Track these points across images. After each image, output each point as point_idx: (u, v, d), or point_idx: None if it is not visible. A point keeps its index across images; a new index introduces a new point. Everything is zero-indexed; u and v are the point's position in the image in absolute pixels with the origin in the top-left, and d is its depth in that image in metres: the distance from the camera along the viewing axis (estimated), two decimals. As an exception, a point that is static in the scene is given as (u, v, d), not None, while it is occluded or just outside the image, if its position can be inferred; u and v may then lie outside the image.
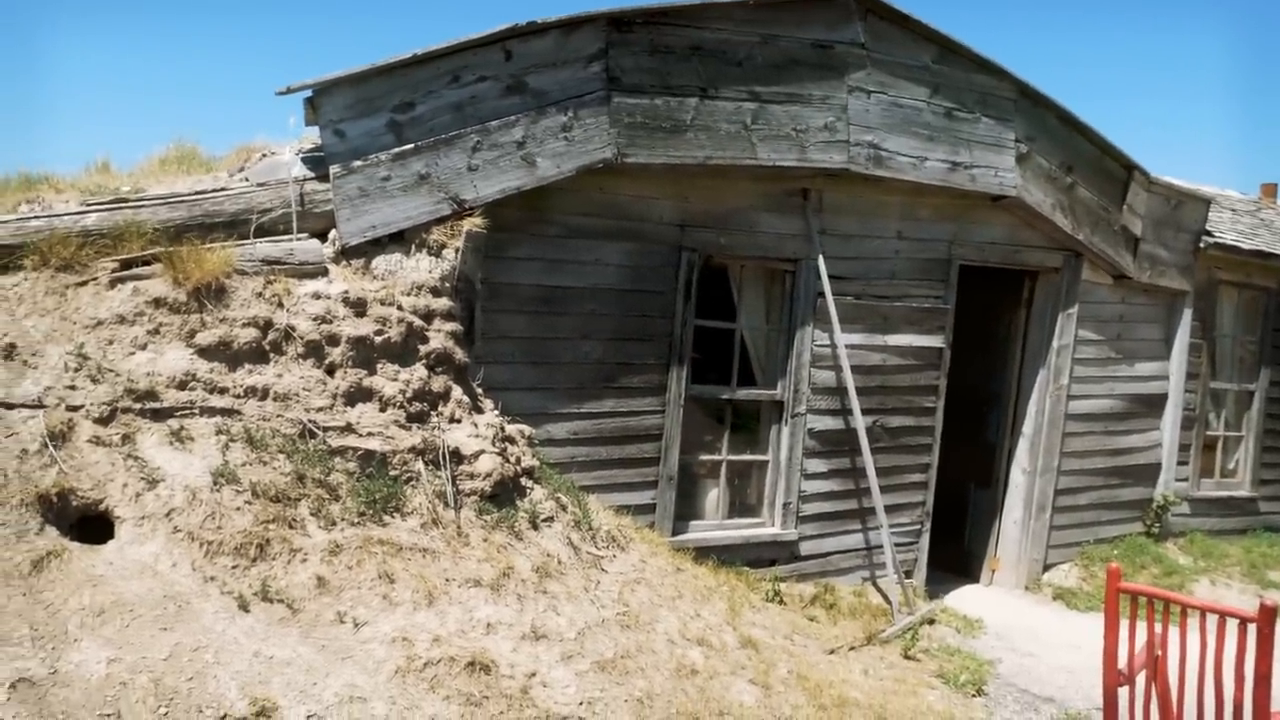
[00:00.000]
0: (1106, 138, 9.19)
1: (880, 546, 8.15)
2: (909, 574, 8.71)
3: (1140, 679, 4.95)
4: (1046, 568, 9.74)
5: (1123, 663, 5.01)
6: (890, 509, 8.21)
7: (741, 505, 8.35)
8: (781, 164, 7.49)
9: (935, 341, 8.74)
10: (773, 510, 8.23)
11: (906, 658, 7.14)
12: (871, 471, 7.92)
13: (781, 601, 7.47)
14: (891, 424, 8.60)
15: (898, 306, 8.49)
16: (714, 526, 8.01)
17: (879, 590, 8.42)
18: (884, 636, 7.36)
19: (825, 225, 8.02)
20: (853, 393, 7.93)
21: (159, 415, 5.03)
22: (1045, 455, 9.51)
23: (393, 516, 5.34)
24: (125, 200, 5.79)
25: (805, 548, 8.27)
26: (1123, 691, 5.00)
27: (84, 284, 5.39)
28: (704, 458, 8.11)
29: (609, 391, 7.28)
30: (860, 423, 7.94)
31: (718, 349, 8.13)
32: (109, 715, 3.66)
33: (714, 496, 8.16)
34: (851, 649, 7.00)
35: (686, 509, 7.90)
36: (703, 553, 7.47)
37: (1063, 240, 9.21)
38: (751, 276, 8.08)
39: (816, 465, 8.26)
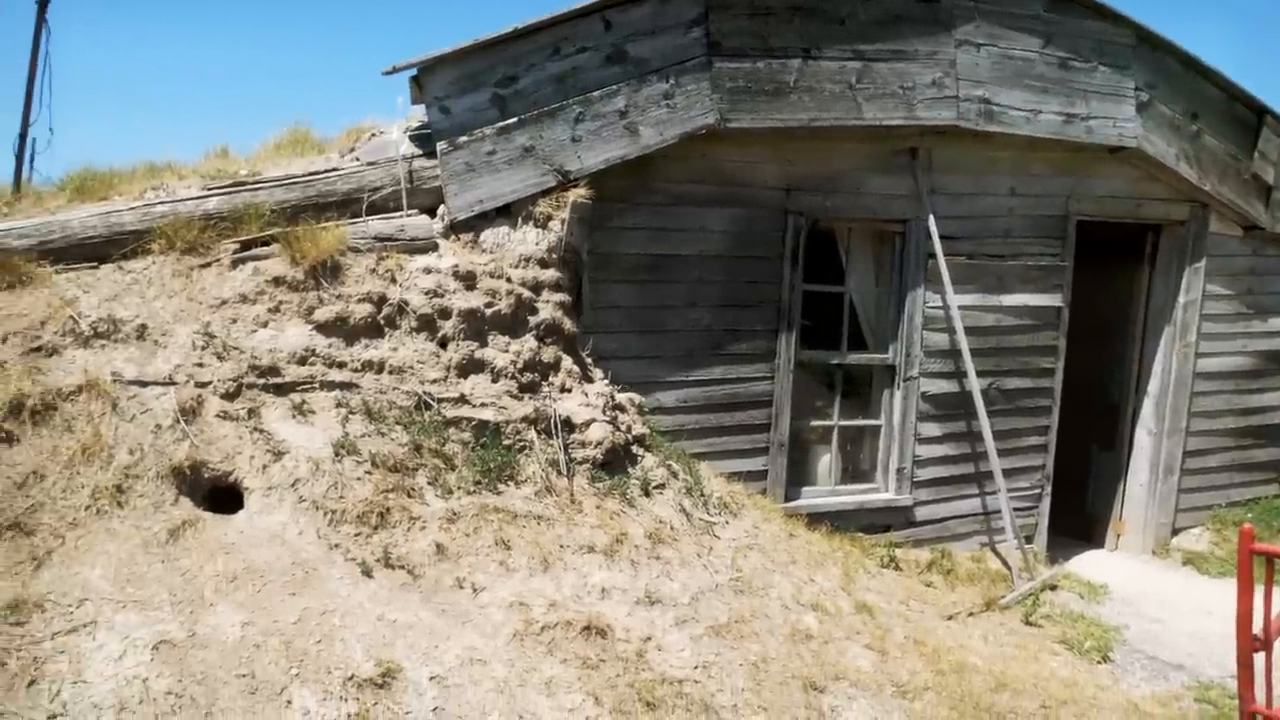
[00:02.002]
0: (1234, 81, 8.74)
1: (998, 511, 7.98)
2: (1029, 539, 8.50)
3: (1278, 644, 4.74)
4: (1175, 532, 9.39)
5: (1258, 627, 4.82)
6: (1008, 473, 8.01)
7: (854, 471, 8.26)
8: (888, 123, 7.33)
9: (1052, 300, 8.48)
10: (886, 475, 8.12)
11: (1027, 624, 6.99)
12: (988, 435, 7.74)
13: (897, 567, 7.37)
14: (1008, 386, 8.38)
15: (1012, 265, 8.25)
16: (826, 492, 7.94)
17: (998, 555, 8.25)
18: (1004, 602, 7.21)
19: (935, 184, 7.83)
20: (967, 355, 7.75)
21: (281, 390, 5.20)
22: (1172, 415, 9.16)
23: (507, 485, 5.43)
24: (244, 184, 5.98)
25: (920, 513, 8.15)
26: (1258, 657, 4.80)
27: (207, 265, 5.59)
28: (815, 423, 8.03)
29: (717, 358, 7.26)
30: (975, 385, 7.76)
31: (826, 313, 8.02)
32: (244, 675, 3.82)
33: (826, 462, 8.09)
34: (970, 615, 6.88)
35: (798, 475, 7.84)
36: (815, 519, 7.41)
37: (1188, 191, 8.81)
38: (860, 239, 7.95)
39: (931, 429, 8.11)
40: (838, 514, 7.69)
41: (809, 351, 7.75)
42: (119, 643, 3.76)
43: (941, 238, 7.72)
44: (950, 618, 6.70)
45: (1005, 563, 8.03)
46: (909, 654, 5.83)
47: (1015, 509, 8.03)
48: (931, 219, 7.71)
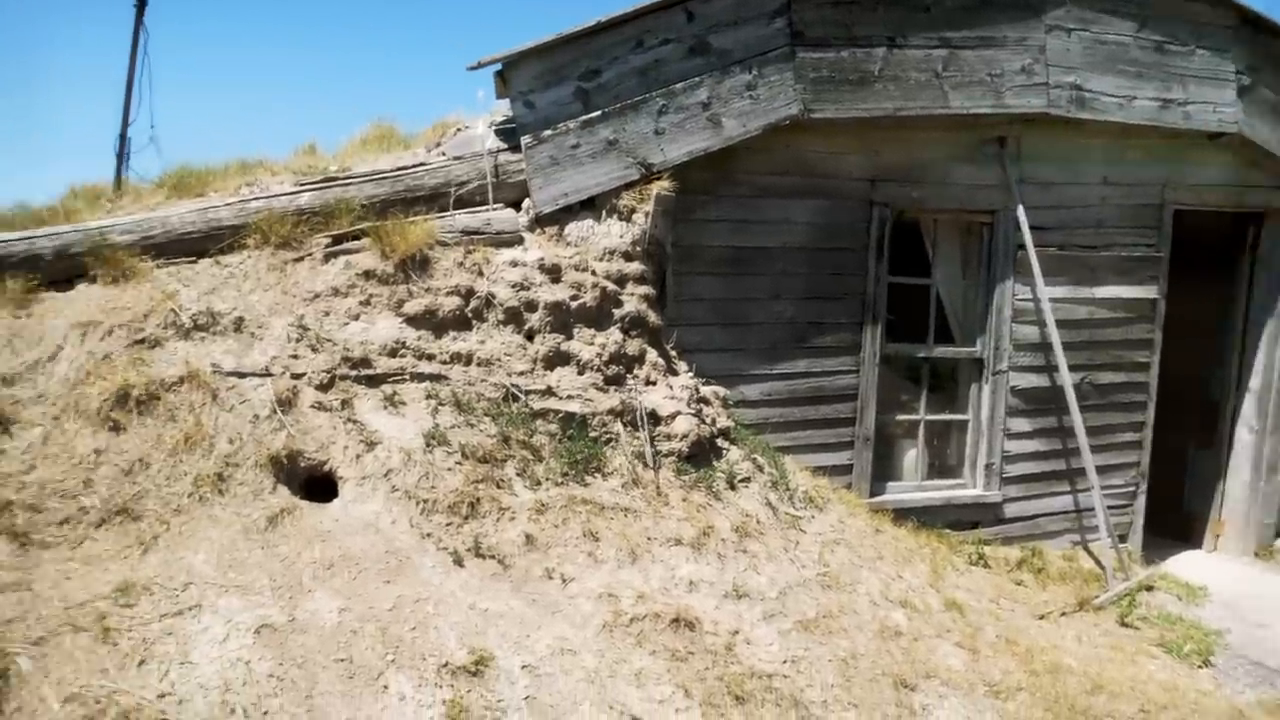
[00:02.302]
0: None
1: (1091, 509, 7.79)
2: (1123, 538, 8.30)
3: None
4: (1279, 533, 9.09)
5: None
6: (1101, 470, 7.81)
7: (941, 466, 8.14)
8: (976, 111, 7.21)
9: (1147, 292, 8.26)
10: (974, 471, 7.98)
11: (1123, 625, 6.82)
12: (1080, 430, 7.56)
13: (985, 565, 7.25)
14: (1101, 380, 8.18)
15: (1105, 256, 8.05)
16: (913, 488, 7.83)
17: (1090, 555, 8.06)
18: (1098, 603, 7.04)
19: (1024, 173, 7.67)
20: (1058, 348, 7.59)
21: (373, 381, 5.28)
22: (1276, 413, 8.85)
23: (594, 476, 5.45)
24: (334, 179, 6.09)
25: (1010, 510, 7.99)
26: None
27: (300, 259, 5.70)
28: (900, 417, 7.93)
29: (802, 351, 7.20)
30: (1067, 379, 7.59)
31: (912, 306, 7.91)
32: (342, 660, 3.88)
33: (912, 457, 7.98)
34: (1063, 614, 6.73)
35: (883, 470, 7.75)
36: (901, 514, 7.31)
37: (1292, 179, 8.51)
38: (946, 230, 7.82)
39: (1020, 424, 7.95)
40: (924, 510, 7.58)
41: (894, 345, 7.65)
42: (222, 626, 3.85)
43: (1031, 228, 7.56)
44: (1042, 617, 6.57)
45: (1098, 562, 7.85)
46: (1001, 653, 5.73)
47: (1109, 507, 7.83)
48: (1021, 209, 7.56)
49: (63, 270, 5.46)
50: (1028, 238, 7.55)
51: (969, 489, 7.96)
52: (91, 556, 4.14)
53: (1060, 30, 7.35)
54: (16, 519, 4.16)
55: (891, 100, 6.93)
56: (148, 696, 3.51)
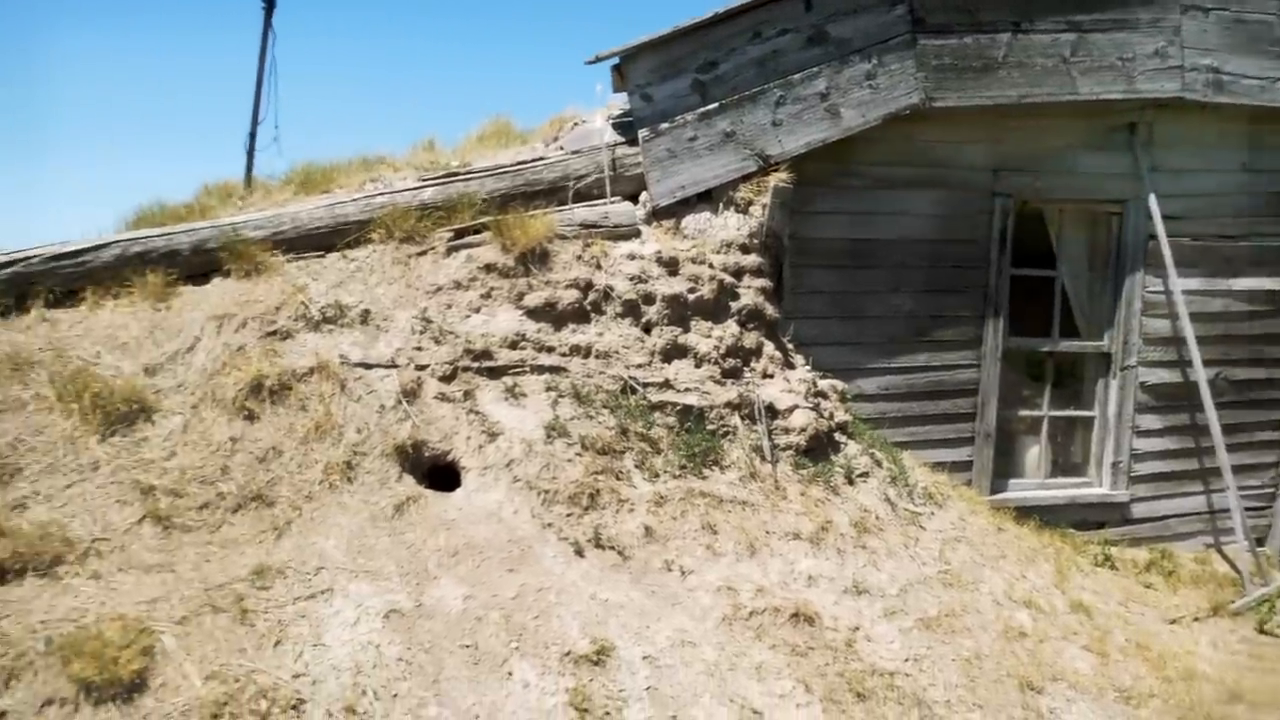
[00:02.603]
0: None
1: (1226, 510, 7.47)
2: (1260, 541, 7.93)
3: None
4: None
5: None
6: (1237, 470, 7.46)
7: (1065, 464, 7.91)
8: (1105, 97, 6.97)
9: (1288, 285, 7.88)
10: (1100, 469, 7.73)
11: (1262, 632, 6.52)
12: (1215, 428, 7.24)
13: (1112, 566, 7.02)
14: (1237, 376, 7.84)
15: (1243, 247, 7.71)
16: (1035, 485, 7.63)
17: (1224, 558, 7.73)
18: (1234, 608, 6.75)
19: (1155, 161, 7.39)
20: (1191, 342, 7.28)
21: (494, 373, 5.36)
22: None
23: (711, 470, 5.44)
24: (456, 174, 6.19)
25: (1138, 510, 7.72)
26: None
27: (423, 253, 5.81)
28: (1023, 413, 7.73)
29: (921, 345, 7.08)
30: (1201, 375, 7.28)
31: (1036, 299, 7.69)
32: (468, 646, 3.95)
33: (1034, 454, 7.77)
34: (1195, 620, 6.47)
35: (1005, 467, 7.56)
36: (1023, 512, 7.12)
37: None
38: (1072, 221, 7.58)
39: (1150, 421, 7.67)
40: (1047, 508, 7.38)
41: (1017, 338, 7.45)
42: (353, 610, 3.96)
43: (1163, 218, 7.27)
44: (1174, 622, 6.33)
45: (1233, 566, 7.52)
46: (1131, 658, 5.55)
47: (1245, 508, 7.48)
48: (1152, 198, 7.28)
49: (199, 265, 5.66)
50: (1160, 228, 7.27)
51: (1095, 488, 7.72)
52: (229, 540, 4.29)
53: (1197, 10, 7.06)
54: (160, 503, 4.33)
55: (1016, 87, 6.75)
56: (283, 676, 3.63)
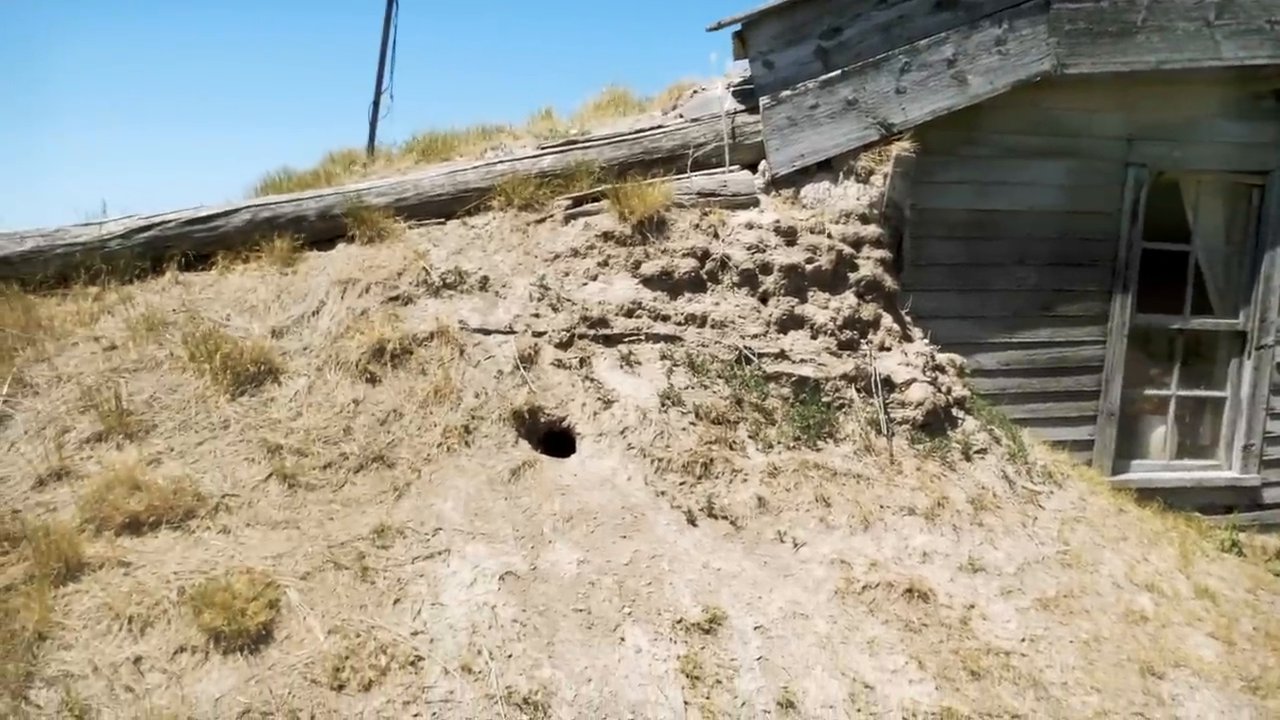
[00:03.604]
0: None
1: (1365, 497, 7.14)
2: (1402, 531, 7.56)
3: None
4: None
5: None
6: (1379, 455, 7.15)
7: (1192, 445, 7.62)
8: (1251, 62, 6.62)
9: None
10: (1230, 452, 7.44)
11: (1401, 625, 6.22)
12: (1358, 411, 6.92)
13: (1240, 552, 6.76)
14: (1382, 358, 7.45)
15: (1394, 221, 7.29)
16: (1159, 467, 7.38)
17: (1363, 547, 7.38)
18: (1372, 598, 6.44)
19: (1304, 130, 7.02)
20: (1335, 322, 6.95)
21: (610, 341, 5.38)
22: None
23: (825, 442, 5.38)
24: (574, 142, 6.21)
25: (1270, 495, 7.42)
26: None
27: (541, 221, 5.86)
28: (1149, 392, 7.47)
29: (1044, 320, 6.88)
30: (1344, 356, 6.95)
31: (1166, 274, 7.40)
32: (581, 610, 4.00)
33: (1160, 435, 7.51)
34: (1330, 610, 6.20)
35: (1128, 447, 7.33)
36: (1145, 494, 6.90)
37: None
38: (1209, 192, 7.26)
39: (1286, 403, 7.35)
40: (1172, 490, 7.13)
41: (1146, 315, 7.18)
42: (470, 571, 4.04)
43: (1309, 191, 6.93)
44: (1306, 611, 6.07)
45: (1372, 555, 7.18)
46: (1259, 647, 5.33)
47: (1387, 496, 7.15)
48: (1297, 169, 6.93)
49: (324, 230, 5.81)
50: (1304, 201, 6.92)
51: (1223, 471, 7.44)
52: (351, 499, 4.41)
53: (1353, -30, 6.66)
54: (286, 462, 4.47)
55: (1155, 52, 6.46)
56: (402, 634, 3.73)
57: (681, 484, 4.84)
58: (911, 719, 3.96)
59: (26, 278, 5.32)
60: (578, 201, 5.88)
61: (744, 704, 3.80)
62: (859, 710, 3.93)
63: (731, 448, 5.10)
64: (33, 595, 3.58)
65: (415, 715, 3.45)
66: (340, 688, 3.49)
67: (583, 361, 5.24)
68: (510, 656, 3.74)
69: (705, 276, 5.71)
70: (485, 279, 5.48)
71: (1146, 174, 6.87)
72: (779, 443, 5.24)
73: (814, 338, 5.72)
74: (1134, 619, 5.17)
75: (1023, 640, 4.69)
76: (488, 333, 5.21)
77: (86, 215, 5.63)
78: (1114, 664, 4.77)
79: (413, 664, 3.62)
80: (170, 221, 5.60)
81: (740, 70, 6.53)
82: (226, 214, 5.69)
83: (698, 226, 5.82)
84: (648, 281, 5.60)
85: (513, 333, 5.24)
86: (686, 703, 3.73)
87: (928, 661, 4.31)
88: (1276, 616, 5.82)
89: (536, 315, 5.37)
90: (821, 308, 5.80)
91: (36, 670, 3.35)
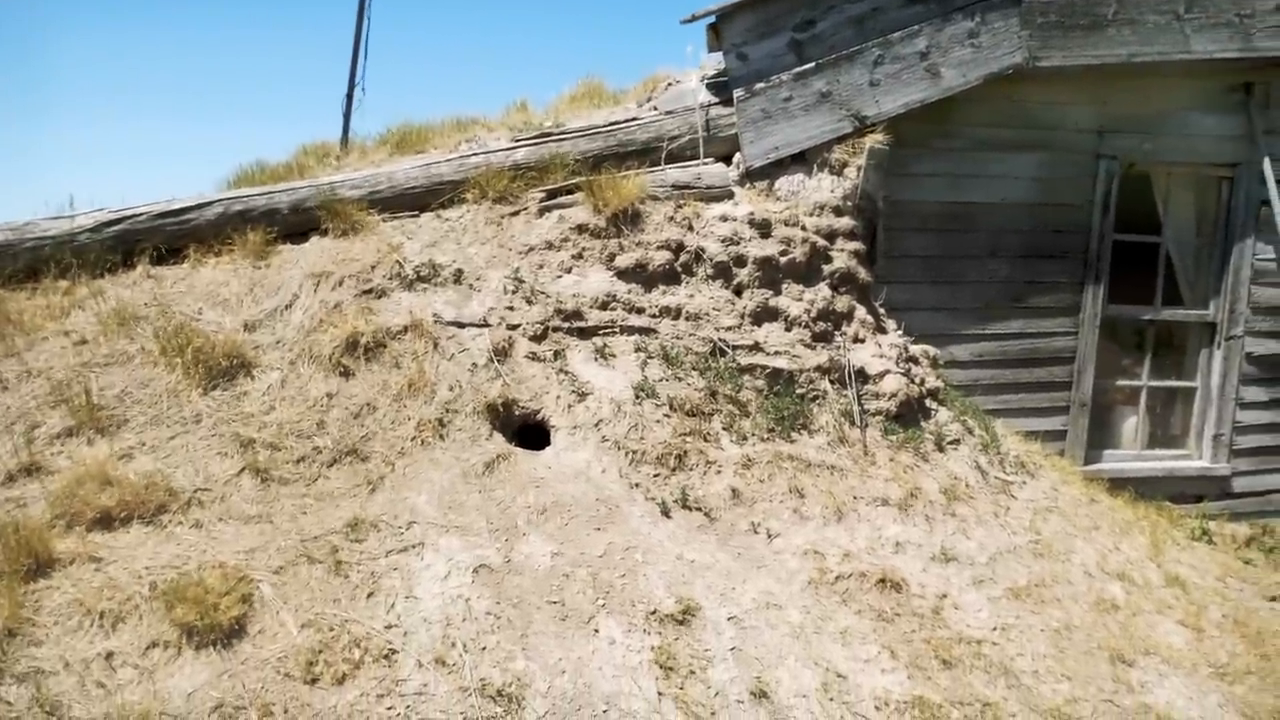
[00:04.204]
0: None
1: (1333, 486, 7.23)
2: (1368, 518, 7.66)
3: None
4: None
5: None
6: (1347, 445, 7.24)
7: (1163, 435, 7.70)
8: (1221, 55, 6.68)
9: None
10: (1200, 442, 7.52)
11: (1367, 611, 6.30)
12: (1325, 401, 7.00)
13: (1210, 541, 6.83)
14: (1350, 348, 7.54)
15: (1361, 213, 7.37)
16: (1131, 457, 7.45)
17: (1331, 535, 7.48)
18: (1339, 585, 6.53)
19: (1272, 124, 7.09)
20: (1302, 313, 7.02)
21: (584, 333, 5.39)
22: None
23: (800, 434, 5.41)
24: (549, 134, 6.20)
25: (1239, 484, 7.50)
26: None
27: (516, 213, 5.85)
28: (1120, 383, 7.54)
29: (1016, 312, 6.93)
30: (1311, 347, 7.03)
31: (1136, 265, 7.46)
32: (555, 602, 4.01)
33: (1131, 425, 7.58)
34: (1297, 597, 6.28)
35: (1099, 437, 7.39)
36: (1117, 484, 6.96)
37: None
38: (1180, 185, 7.32)
39: (1255, 393, 7.42)
40: (1143, 480, 7.20)
41: (1117, 306, 7.24)
42: (444, 564, 4.04)
43: (1278, 183, 6.99)
44: (1275, 599, 6.13)
45: (1340, 543, 7.27)
46: (1227, 634, 5.40)
47: (1354, 484, 7.25)
48: (1267, 162, 7.00)
49: (297, 224, 5.78)
50: (1274, 193, 6.99)
51: (1194, 460, 7.52)
52: (324, 493, 4.40)
53: (1321, -37, 6.72)
54: (259, 456, 4.46)
55: (1125, 45, 6.51)
56: (376, 627, 3.72)
57: (656, 476, 4.86)
58: (884, 708, 3.99)
59: (-5, 272, 5.27)
60: (552, 194, 5.88)
61: (717, 694, 3.82)
62: (832, 700, 3.95)
63: (706, 439, 5.12)
64: (2, 591, 3.55)
65: (389, 709, 3.45)
66: (314, 681, 3.49)
67: (557, 354, 5.24)
68: (484, 649, 3.74)
69: (680, 269, 5.72)
70: (459, 272, 5.47)
71: (1118, 166, 6.93)
72: (753, 434, 5.26)
73: (788, 330, 5.74)
74: (1105, 607, 5.22)
75: (994, 629, 4.73)
76: (462, 326, 5.20)
77: (57, 209, 5.59)
78: (1084, 652, 4.81)
79: (386, 657, 3.62)
80: (141, 215, 5.56)
81: (715, 63, 6.54)
82: (199, 207, 5.66)
83: (672, 219, 5.83)
84: (622, 274, 5.60)
85: (487, 326, 5.24)
86: (660, 693, 3.74)
87: (900, 651, 4.34)
88: (1245, 604, 5.89)
89: (511, 308, 5.37)
90: (796, 300, 5.82)
91: (6, 667, 3.32)
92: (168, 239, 5.59)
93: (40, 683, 3.29)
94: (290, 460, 4.50)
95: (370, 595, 3.86)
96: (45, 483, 4.15)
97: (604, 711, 3.63)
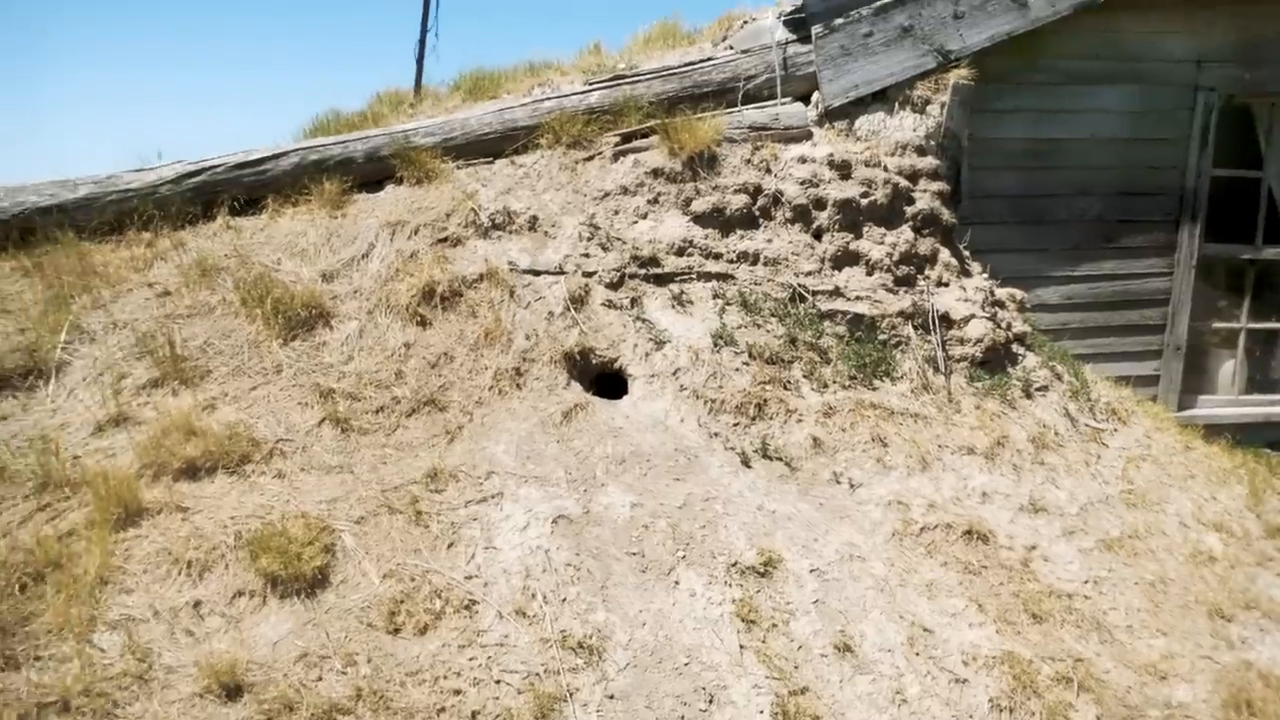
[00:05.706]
0: None
1: None
2: None
3: None
4: None
5: None
6: None
7: (1262, 380, 7.41)
8: (1333, -22, 6.30)
9: None
10: (1303, 386, 7.22)
11: None
12: None
13: (1313, 489, 6.57)
14: None
15: None
16: (1228, 402, 7.19)
17: None
18: None
19: (1384, 50, 6.68)
20: None
21: (660, 280, 5.30)
22: None
23: (882, 381, 5.28)
24: (623, 77, 6.07)
25: (1344, 430, 7.20)
26: None
27: (590, 158, 5.75)
28: (1217, 325, 7.26)
29: (1107, 252, 6.68)
30: None
31: (1237, 203, 7.13)
32: (634, 554, 3.97)
33: (1228, 369, 7.30)
34: (1407, 548, 6.02)
35: (1195, 382, 7.15)
36: (1213, 430, 6.71)
37: None
38: (1285, 117, 6.96)
39: (1362, 335, 7.09)
40: (1241, 426, 6.95)
41: (1215, 245, 6.94)
42: (523, 515, 4.02)
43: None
44: (1382, 549, 5.90)
45: None
46: (1333, 588, 5.19)
47: None
48: (1378, 91, 6.61)
49: (372, 172, 5.75)
50: (1385, 124, 6.61)
51: (1296, 406, 7.22)
52: (403, 443, 4.40)
53: None
54: (339, 406, 4.47)
55: (1227, -31, 6.17)
56: (456, 577, 3.72)
57: (735, 425, 4.78)
58: (972, 663, 3.90)
59: (81, 225, 5.33)
60: (626, 138, 5.77)
61: (800, 648, 3.76)
62: (918, 654, 3.87)
63: (785, 388, 5.02)
64: (94, 540, 3.62)
65: (471, 659, 3.45)
66: (396, 631, 3.50)
67: (634, 301, 5.16)
68: (564, 600, 3.72)
69: (757, 213, 5.59)
70: (534, 219, 5.40)
71: (1216, 98, 6.61)
72: (834, 382, 5.15)
73: (869, 274, 5.59)
74: (1202, 560, 5.05)
75: (1086, 582, 4.59)
76: (537, 273, 5.15)
77: (140, 160, 5.62)
78: (1180, 606, 4.67)
79: (467, 608, 3.62)
80: (219, 166, 5.57)
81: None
82: (275, 157, 5.65)
83: (749, 161, 5.69)
84: (699, 219, 5.49)
85: (562, 273, 5.17)
86: (742, 646, 3.69)
87: (988, 604, 4.24)
88: (1350, 555, 5.66)
89: (586, 255, 5.29)
90: (877, 243, 5.66)
91: (99, 614, 3.39)
92: (246, 190, 5.60)
93: (131, 630, 3.35)
94: (369, 410, 4.51)
95: (450, 546, 3.86)
96: (132, 433, 4.20)
97: (685, 664, 3.59)
